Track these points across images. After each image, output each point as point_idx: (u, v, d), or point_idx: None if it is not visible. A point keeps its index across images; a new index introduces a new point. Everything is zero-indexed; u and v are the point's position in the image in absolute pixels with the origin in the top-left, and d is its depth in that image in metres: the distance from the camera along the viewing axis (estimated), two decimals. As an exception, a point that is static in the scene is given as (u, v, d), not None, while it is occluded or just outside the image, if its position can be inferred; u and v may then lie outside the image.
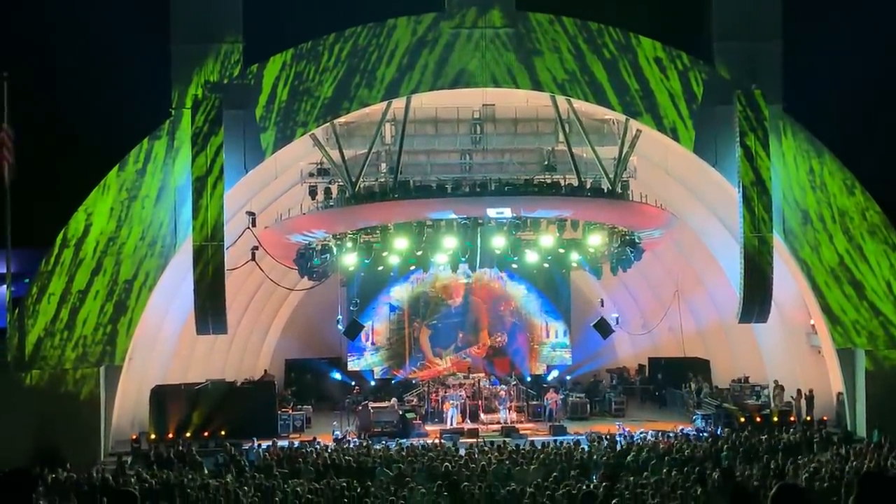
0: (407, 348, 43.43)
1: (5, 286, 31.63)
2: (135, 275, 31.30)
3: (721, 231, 34.74)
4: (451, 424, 35.65)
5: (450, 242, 32.84)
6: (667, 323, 39.96)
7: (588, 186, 33.13)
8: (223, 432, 32.61)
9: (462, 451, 28.74)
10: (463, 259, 34.27)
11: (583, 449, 28.55)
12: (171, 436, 32.47)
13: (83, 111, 39.01)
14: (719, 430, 32.73)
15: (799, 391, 34.47)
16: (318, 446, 30.55)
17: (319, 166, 33.90)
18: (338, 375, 42.16)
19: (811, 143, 33.05)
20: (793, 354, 35.89)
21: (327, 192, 33.56)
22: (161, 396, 33.23)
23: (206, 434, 32.72)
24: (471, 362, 42.46)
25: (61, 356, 30.88)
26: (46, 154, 37.37)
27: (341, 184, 33.17)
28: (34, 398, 30.19)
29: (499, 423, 35.91)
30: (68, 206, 31.68)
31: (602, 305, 41.10)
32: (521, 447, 29.26)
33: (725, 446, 28.18)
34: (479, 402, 37.57)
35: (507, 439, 31.75)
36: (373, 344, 43.30)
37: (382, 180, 33.68)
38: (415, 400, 38.40)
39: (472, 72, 32.14)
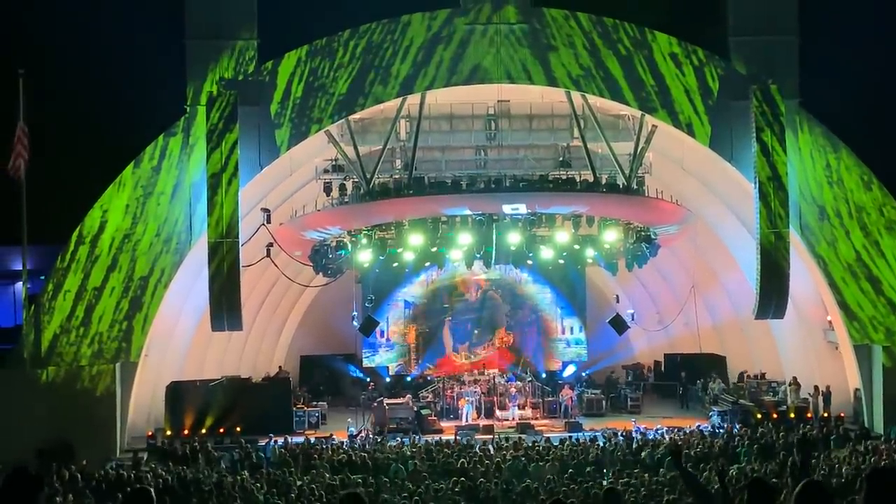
0: (423, 345, 43.39)
1: (21, 283, 31.78)
2: (150, 271, 31.39)
3: (737, 226, 34.66)
4: (467, 421, 35.67)
5: (465, 239, 32.82)
6: (682, 319, 39.86)
7: (603, 182, 33.09)
8: (238, 428, 32.67)
9: (477, 448, 28.76)
10: (478, 255, 34.25)
11: (598, 445, 28.52)
12: (186, 432, 32.55)
13: (98, 108, 39.12)
14: (736, 426, 32.63)
15: (816, 387, 34.37)
16: (333, 443, 30.62)
17: (334, 163, 33.93)
18: (358, 372, 42.16)
19: (828, 139, 32.95)
20: (809, 350, 35.79)
21: (342, 188, 33.59)
22: (177, 393, 33.33)
23: (221, 430, 32.79)
24: (486, 357, 42.44)
25: (77, 353, 30.99)
26: (62, 151, 37.52)
27: (356, 180, 33.20)
28: (50, 395, 30.28)
29: (513, 419, 35.89)
30: (84, 203, 31.79)
31: (617, 301, 41.02)
32: (536, 444, 29.26)
33: (743, 443, 28.12)
34: (494, 399, 37.56)
35: (522, 436, 31.74)
36: (388, 340, 43.29)
37: (397, 177, 33.67)
38: (430, 396, 38.36)
39: (486, 68, 32.11)
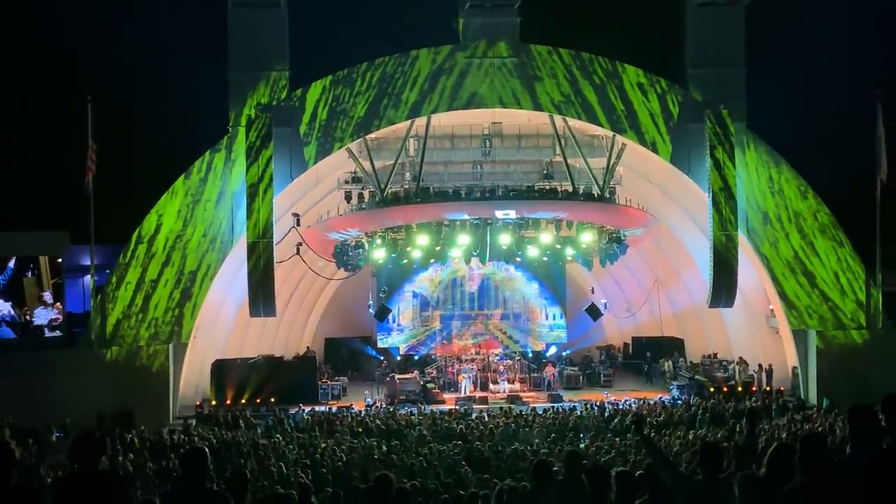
0: (429, 328, 43.34)
1: (89, 276, 31.81)
2: (198, 266, 31.42)
3: (694, 229, 34.66)
4: (465, 393, 35.65)
5: (464, 239, 32.82)
6: (647, 307, 39.86)
7: (581, 192, 33.07)
8: (272, 399, 32.70)
9: (474, 416, 28.77)
10: (475, 253, 34.25)
11: (576, 414, 28.53)
12: (228, 402, 32.59)
13: (155, 129, 39.13)
14: (692, 398, 32.64)
15: (760, 365, 34.40)
16: (352, 411, 30.65)
17: (354, 175, 33.95)
18: (373, 352, 42.05)
19: (770, 155, 32.94)
20: (754, 334, 35.82)
21: (360, 196, 33.61)
22: (220, 369, 33.36)
23: (258, 401, 32.81)
24: (484, 340, 42.38)
25: (136, 335, 31.04)
26: (124, 164, 37.50)
27: (372, 190, 33.22)
28: (113, 371, 30.35)
29: (504, 392, 35.90)
30: (143, 209, 31.82)
31: (593, 292, 40.98)
32: (524, 412, 29.26)
33: (698, 412, 28.13)
34: (489, 375, 37.57)
35: (512, 406, 31.76)
36: (398, 325, 43.27)
37: (407, 187, 33.66)
38: (434, 372, 38.37)
39: (482, 95, 32.12)
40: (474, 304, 43.33)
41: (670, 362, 38.03)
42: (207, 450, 7.88)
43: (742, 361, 34.94)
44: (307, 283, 39.64)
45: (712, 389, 33.61)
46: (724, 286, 31.79)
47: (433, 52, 32.39)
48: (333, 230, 33.58)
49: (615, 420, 26.90)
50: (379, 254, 33.74)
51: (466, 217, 32.28)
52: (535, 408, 31.17)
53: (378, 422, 27.36)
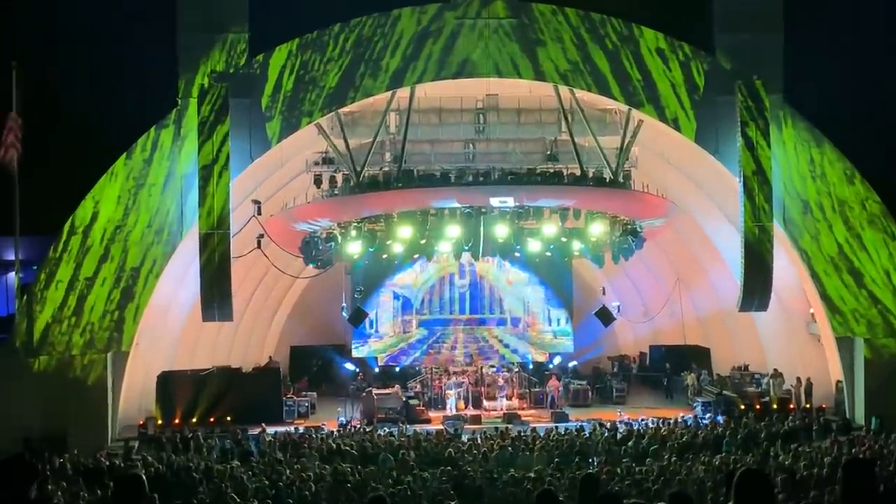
0: (411, 335, 43.31)
1: (13, 273, 31.69)
2: (141, 262, 31.29)
3: (721, 219, 34.67)
4: (453, 411, 35.60)
5: (453, 231, 32.78)
6: (667, 311, 39.91)
7: (590, 176, 33.08)
8: (229, 418, 32.65)
9: (465, 438, 28.75)
10: (466, 247, 34.23)
11: (584, 435, 28.50)
12: (177, 421, 32.51)
13: (91, 100, 38.96)
14: (719, 417, 32.69)
15: (798, 379, 34.47)
16: (322, 433, 30.60)
17: (324, 155, 33.89)
18: (350, 366, 41.70)
19: (811, 133, 32.97)
20: (792, 342, 35.89)
21: (332, 180, 33.55)
22: (167, 382, 33.28)
23: (212, 420, 32.75)
24: (476, 349, 42.38)
25: (69, 342, 30.89)
26: (54, 142, 37.36)
27: (346, 173, 33.15)
28: (42, 384, 30.20)
29: (500, 409, 35.91)
30: (76, 194, 31.66)
31: (603, 293, 41.09)
32: (522, 433, 29.23)
33: (726, 434, 28.13)
34: (482, 389, 37.57)
35: (509, 426, 31.75)
36: (377, 331, 43.23)
37: (386, 169, 33.65)
38: (418, 387, 38.37)
39: (475, 62, 32.07)
40: (465, 307, 43.34)
41: (694, 375, 38.09)
42: (145, 478, 7.80)
43: (777, 374, 35.01)
44: (270, 281, 39.58)
45: (743, 407, 33.67)
46: (756, 286, 31.79)
47: (418, 11, 32.30)
48: (301, 220, 33.52)
49: (629, 443, 26.90)
50: (354, 248, 33.66)
51: (456, 205, 32.25)
52: (535, 428, 31.14)
53: (350, 445, 27.29)
